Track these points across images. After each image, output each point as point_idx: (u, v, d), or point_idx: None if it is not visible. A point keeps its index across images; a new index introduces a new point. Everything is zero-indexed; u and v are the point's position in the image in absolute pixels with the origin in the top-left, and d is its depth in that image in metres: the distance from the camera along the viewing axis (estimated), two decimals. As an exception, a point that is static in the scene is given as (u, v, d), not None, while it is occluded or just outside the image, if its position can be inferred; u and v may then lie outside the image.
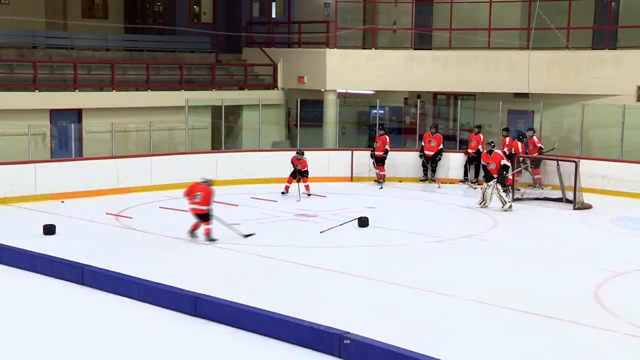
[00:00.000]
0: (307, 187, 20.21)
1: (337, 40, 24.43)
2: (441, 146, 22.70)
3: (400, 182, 22.93)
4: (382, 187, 22.00)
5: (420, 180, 22.90)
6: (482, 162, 20.12)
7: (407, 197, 21.03)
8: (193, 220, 14.99)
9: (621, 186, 20.83)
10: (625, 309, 11.46)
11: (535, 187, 21.39)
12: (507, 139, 22.00)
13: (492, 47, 23.76)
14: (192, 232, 15.03)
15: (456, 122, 24.12)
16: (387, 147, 22.29)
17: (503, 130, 22.39)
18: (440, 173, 23.00)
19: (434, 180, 22.68)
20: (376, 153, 22.41)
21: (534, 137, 21.90)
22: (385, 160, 22.38)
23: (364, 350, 9.22)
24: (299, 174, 20.12)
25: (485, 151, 19.76)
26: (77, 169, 19.98)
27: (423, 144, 22.87)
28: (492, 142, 19.64)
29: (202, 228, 14.90)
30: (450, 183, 22.75)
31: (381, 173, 22.36)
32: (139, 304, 11.37)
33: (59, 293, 12.04)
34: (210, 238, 14.91)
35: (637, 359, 9.85)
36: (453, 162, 23.04)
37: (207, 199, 14.76)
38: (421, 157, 22.90)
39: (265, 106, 24.15)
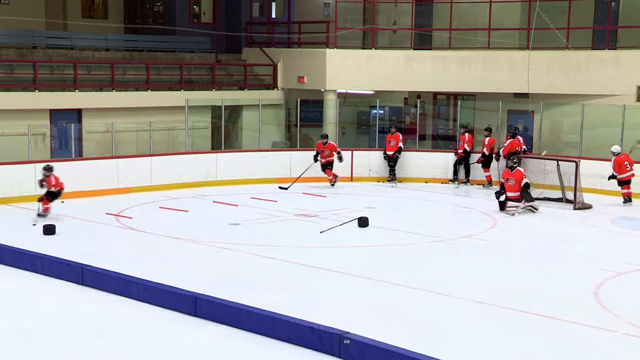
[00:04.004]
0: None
1: (337, 41, 24.44)
2: (400, 145, 22.65)
3: (401, 182, 22.92)
4: (334, 184, 21.93)
5: (388, 180, 22.86)
6: (502, 179, 18.88)
7: (406, 197, 21.04)
8: None
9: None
10: (625, 309, 11.44)
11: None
12: (487, 139, 22.00)
13: (492, 47, 23.75)
14: None
15: (456, 122, 24.10)
16: (336, 153, 21.96)
17: (485, 130, 22.30)
18: (439, 173, 23.01)
19: (394, 179, 22.68)
20: (323, 160, 21.96)
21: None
22: (334, 164, 22.05)
23: (364, 350, 9.21)
24: None
25: (507, 167, 18.78)
26: (77, 169, 19.95)
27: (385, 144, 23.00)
28: (515, 159, 18.84)
29: None
30: (450, 183, 22.80)
31: (329, 177, 22.06)
32: (139, 304, 11.36)
33: (59, 293, 12.03)
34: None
35: (637, 359, 9.85)
36: (452, 163, 23.02)
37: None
38: (385, 158, 22.92)
39: (265, 106, 24.14)
